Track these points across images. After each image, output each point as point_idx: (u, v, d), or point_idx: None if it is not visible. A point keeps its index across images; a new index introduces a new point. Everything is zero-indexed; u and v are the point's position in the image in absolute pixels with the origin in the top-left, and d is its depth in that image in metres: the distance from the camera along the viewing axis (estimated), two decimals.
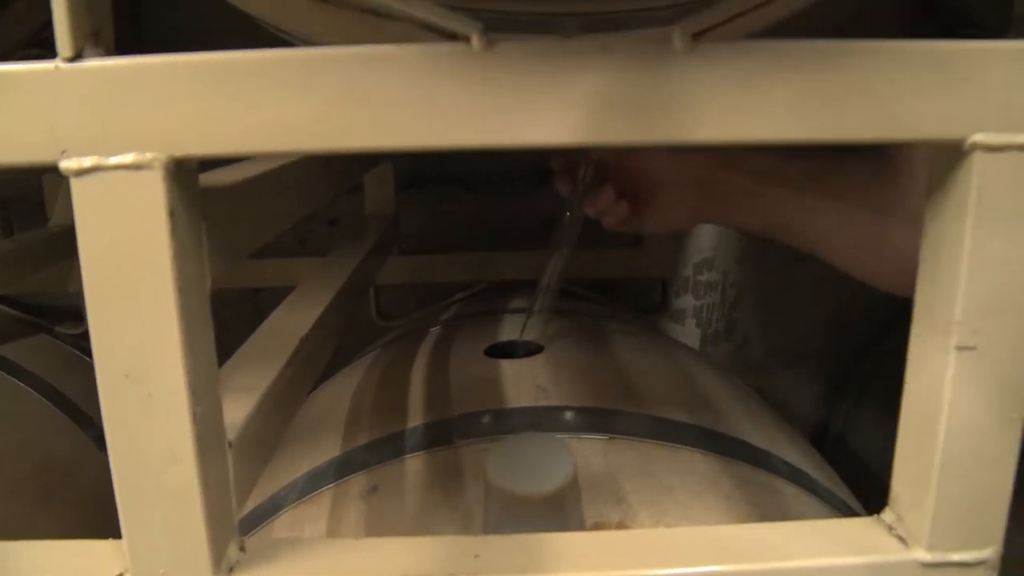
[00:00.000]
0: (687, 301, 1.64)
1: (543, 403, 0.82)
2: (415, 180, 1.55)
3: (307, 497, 0.79)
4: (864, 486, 1.40)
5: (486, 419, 0.79)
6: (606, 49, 0.41)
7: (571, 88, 0.41)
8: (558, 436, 0.71)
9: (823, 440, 1.67)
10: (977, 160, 0.44)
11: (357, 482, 0.77)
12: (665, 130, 0.42)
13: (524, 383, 0.86)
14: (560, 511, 0.59)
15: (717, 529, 0.55)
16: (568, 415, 0.79)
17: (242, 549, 0.52)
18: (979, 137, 0.44)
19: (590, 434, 0.77)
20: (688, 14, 0.42)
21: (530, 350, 0.96)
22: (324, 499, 0.77)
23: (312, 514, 0.76)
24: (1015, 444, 0.50)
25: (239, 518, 0.53)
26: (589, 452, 0.74)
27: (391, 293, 1.56)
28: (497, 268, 1.47)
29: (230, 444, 0.52)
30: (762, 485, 0.75)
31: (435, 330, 1.11)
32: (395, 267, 1.47)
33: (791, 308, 1.60)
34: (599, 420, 0.79)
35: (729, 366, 1.65)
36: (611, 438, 0.77)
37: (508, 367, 0.90)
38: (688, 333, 1.65)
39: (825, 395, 1.70)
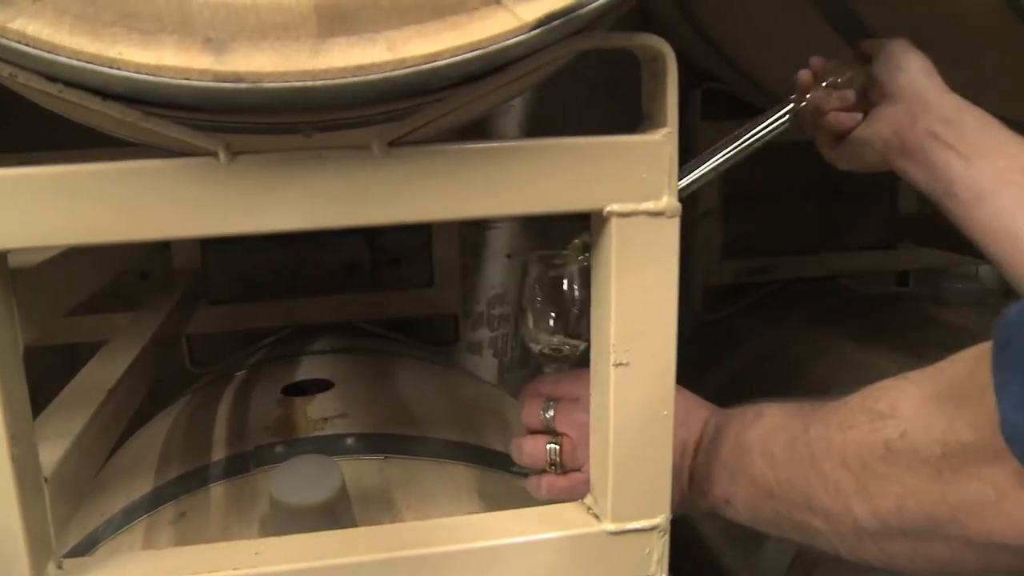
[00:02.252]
0: (483, 334, 1.80)
1: (329, 432, 0.95)
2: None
3: (123, 529, 0.89)
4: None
5: (279, 449, 0.92)
6: (321, 158, 0.56)
7: (296, 187, 0.56)
8: (336, 458, 0.84)
9: None
10: (614, 223, 0.61)
11: (167, 511, 0.88)
12: (370, 214, 0.57)
13: (313, 416, 0.99)
14: (332, 517, 0.73)
15: (453, 519, 0.70)
16: (349, 441, 0.92)
17: (60, 567, 0.63)
18: (614, 207, 0.61)
19: (368, 456, 0.91)
20: (391, 120, 0.57)
21: (322, 387, 1.09)
22: (138, 529, 0.88)
23: (128, 542, 0.86)
24: (668, 434, 0.67)
25: (62, 552, 0.64)
26: (366, 471, 0.88)
27: (205, 341, 1.65)
28: (303, 312, 1.58)
29: (46, 480, 0.63)
30: (513, 487, 0.90)
31: (241, 374, 1.22)
32: (206, 316, 1.57)
33: None
34: (376, 443, 0.93)
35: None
36: (386, 458, 0.91)
37: (300, 403, 1.03)
38: (486, 363, 1.81)
39: None
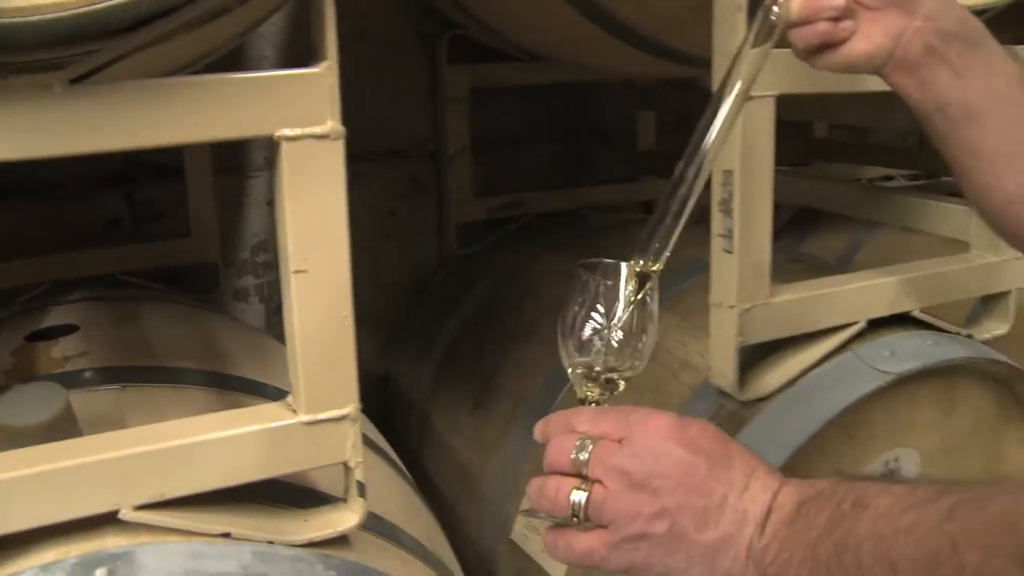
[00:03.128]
0: (248, 281, 1.85)
1: (68, 369, 1.00)
2: None
3: None
4: (412, 419, 1.68)
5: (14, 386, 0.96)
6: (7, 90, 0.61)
7: None
8: (74, 391, 0.89)
9: (386, 388, 1.94)
10: (284, 146, 0.69)
11: None
12: (53, 145, 0.63)
13: (56, 356, 1.04)
14: (57, 438, 0.78)
15: (169, 424, 0.77)
16: (87, 374, 0.97)
17: None
18: (284, 131, 0.69)
19: (105, 386, 0.96)
20: (72, 61, 0.63)
21: (67, 332, 1.13)
22: None
23: None
24: (349, 334, 0.76)
25: None
26: (102, 399, 0.94)
27: None
28: (62, 268, 1.59)
29: None
30: (249, 405, 0.98)
31: None
32: None
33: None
34: (114, 375, 0.98)
35: None
36: (124, 387, 0.97)
37: (43, 347, 1.07)
38: (253, 309, 1.86)
39: (383, 349, 1.97)
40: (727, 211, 0.99)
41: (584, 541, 0.66)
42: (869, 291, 1.10)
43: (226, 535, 0.75)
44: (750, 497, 0.63)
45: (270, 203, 1.84)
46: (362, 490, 0.79)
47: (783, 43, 0.80)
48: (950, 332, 1.19)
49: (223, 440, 0.74)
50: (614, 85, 2.07)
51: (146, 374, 1.01)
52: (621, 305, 0.71)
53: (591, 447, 0.66)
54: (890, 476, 1.16)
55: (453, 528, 1.32)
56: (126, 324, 1.19)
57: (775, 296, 1.03)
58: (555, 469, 0.67)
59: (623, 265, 0.72)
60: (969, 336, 1.23)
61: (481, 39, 1.82)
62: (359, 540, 0.83)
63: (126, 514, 0.71)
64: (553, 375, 1.31)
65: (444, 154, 1.90)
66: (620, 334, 0.71)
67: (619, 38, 1.34)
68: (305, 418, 0.76)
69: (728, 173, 0.99)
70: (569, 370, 0.73)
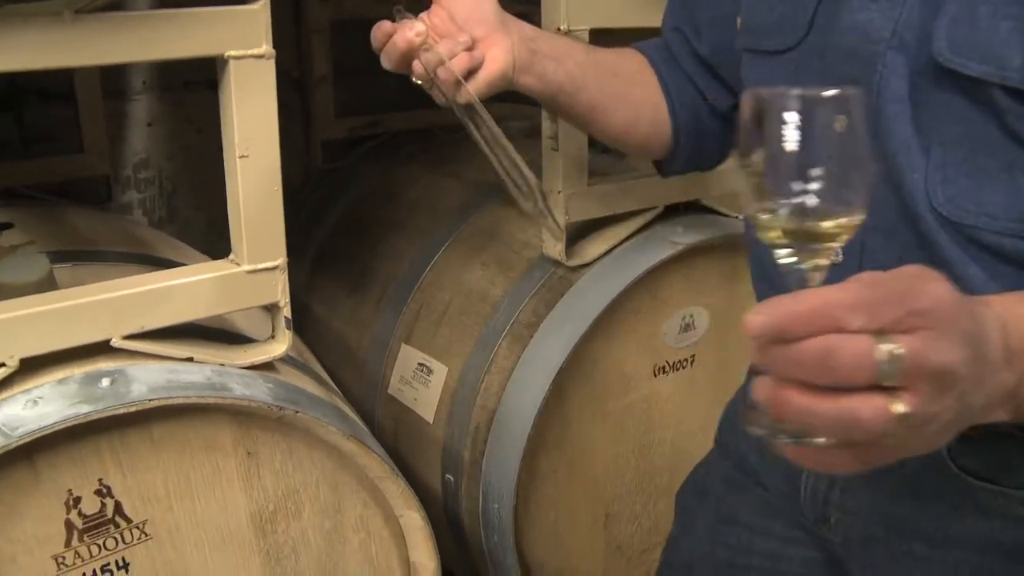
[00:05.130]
0: (132, 195, 2.04)
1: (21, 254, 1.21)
2: None
3: None
4: (326, 339, 1.89)
5: None
6: (27, 17, 0.83)
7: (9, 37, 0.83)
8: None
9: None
10: (232, 63, 0.93)
11: None
12: (61, 58, 0.86)
13: (5, 245, 1.25)
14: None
15: (147, 274, 1.00)
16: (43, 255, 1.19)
17: None
18: (231, 52, 0.93)
19: (58, 264, 1.18)
20: None
21: (3, 227, 1.33)
22: None
23: None
24: (279, 202, 1.01)
25: None
26: (61, 273, 1.16)
27: None
28: None
29: None
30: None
31: None
32: None
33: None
34: (65, 256, 1.20)
35: None
36: (74, 265, 1.19)
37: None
38: (137, 222, 2.06)
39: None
40: (553, 119, 1.29)
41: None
42: (664, 183, 1.42)
43: (189, 359, 1.00)
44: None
45: (150, 124, 2.04)
46: (288, 324, 1.05)
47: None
48: (730, 216, 1.52)
49: (188, 284, 0.99)
50: None
51: (89, 256, 1.23)
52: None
53: (900, 341, 0.50)
54: (687, 328, 1.50)
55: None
56: (53, 222, 1.40)
57: (592, 185, 1.34)
58: (842, 382, 0.50)
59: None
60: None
61: None
62: (283, 368, 1.09)
63: (116, 342, 0.95)
64: (416, 260, 1.59)
65: (309, 80, 2.13)
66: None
67: None
68: (247, 268, 1.01)
69: None
70: (768, 231, 0.58)
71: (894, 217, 0.77)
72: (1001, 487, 0.80)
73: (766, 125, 0.56)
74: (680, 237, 1.39)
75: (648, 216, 1.41)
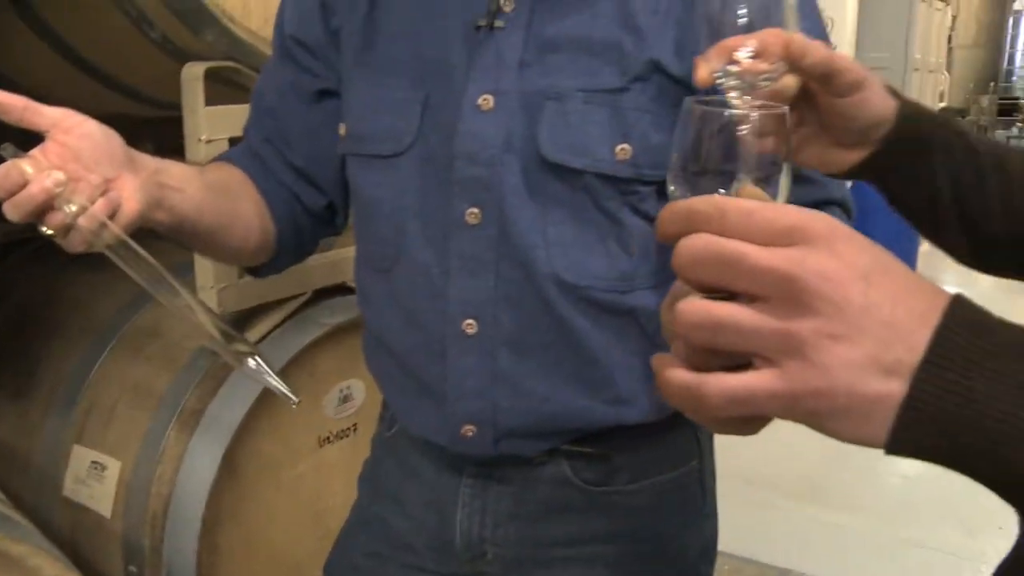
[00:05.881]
0: None
1: None
2: None
3: None
4: None
5: None
6: None
7: None
8: None
9: None
10: None
11: None
12: None
13: None
14: None
15: None
16: None
17: None
18: None
19: None
20: None
21: None
22: None
23: None
24: None
25: None
26: None
27: None
28: None
29: None
30: None
31: None
32: None
33: None
34: None
35: None
36: None
37: None
38: None
39: None
40: None
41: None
42: (310, 270, 1.57)
43: None
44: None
45: None
46: None
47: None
48: None
49: None
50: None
51: None
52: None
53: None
54: (346, 399, 1.66)
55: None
56: None
57: (243, 277, 1.47)
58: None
59: None
60: None
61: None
62: None
63: None
64: (82, 361, 1.64)
65: None
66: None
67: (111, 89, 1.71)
68: None
69: None
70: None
71: (521, 287, 0.96)
72: (613, 487, 1.04)
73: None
74: (328, 318, 1.55)
75: (298, 301, 1.56)
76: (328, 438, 1.64)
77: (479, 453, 1.02)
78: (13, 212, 0.83)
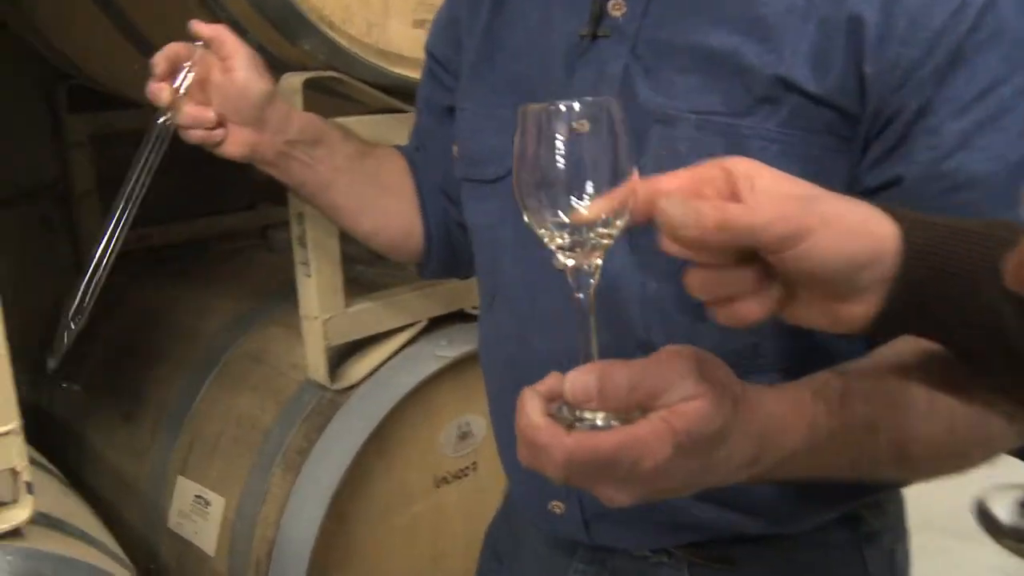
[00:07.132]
0: None
1: None
2: None
3: None
4: (68, 440, 1.82)
5: None
6: None
7: None
8: None
9: (40, 416, 2.05)
10: None
11: None
12: None
13: None
14: None
15: None
16: None
17: None
18: None
19: None
20: None
21: None
22: None
23: None
24: (7, 363, 0.97)
25: None
26: None
27: None
28: None
29: None
30: None
31: None
32: None
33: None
34: None
35: None
36: None
37: None
38: None
39: (32, 381, 2.09)
40: (303, 244, 1.29)
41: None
42: (426, 297, 1.44)
43: None
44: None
45: None
46: (30, 489, 1.01)
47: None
48: None
49: None
50: None
51: None
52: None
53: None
54: (465, 436, 1.52)
55: (117, 525, 1.53)
56: None
57: (351, 306, 1.35)
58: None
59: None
60: None
61: (97, 87, 2.00)
62: (31, 532, 1.04)
63: None
64: (185, 389, 1.55)
65: (71, 195, 2.06)
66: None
67: None
68: None
69: (300, 215, 1.28)
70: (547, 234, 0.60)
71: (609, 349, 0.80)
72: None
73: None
74: (445, 351, 1.42)
75: (412, 331, 1.43)
76: (445, 478, 1.51)
77: (575, 538, 0.90)
78: (158, 57, 0.97)
